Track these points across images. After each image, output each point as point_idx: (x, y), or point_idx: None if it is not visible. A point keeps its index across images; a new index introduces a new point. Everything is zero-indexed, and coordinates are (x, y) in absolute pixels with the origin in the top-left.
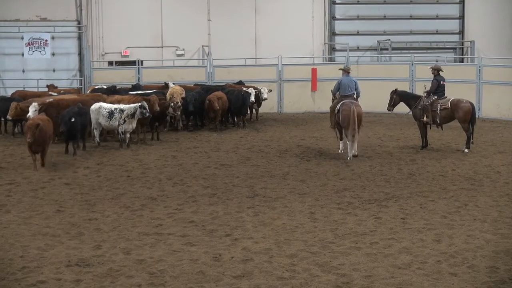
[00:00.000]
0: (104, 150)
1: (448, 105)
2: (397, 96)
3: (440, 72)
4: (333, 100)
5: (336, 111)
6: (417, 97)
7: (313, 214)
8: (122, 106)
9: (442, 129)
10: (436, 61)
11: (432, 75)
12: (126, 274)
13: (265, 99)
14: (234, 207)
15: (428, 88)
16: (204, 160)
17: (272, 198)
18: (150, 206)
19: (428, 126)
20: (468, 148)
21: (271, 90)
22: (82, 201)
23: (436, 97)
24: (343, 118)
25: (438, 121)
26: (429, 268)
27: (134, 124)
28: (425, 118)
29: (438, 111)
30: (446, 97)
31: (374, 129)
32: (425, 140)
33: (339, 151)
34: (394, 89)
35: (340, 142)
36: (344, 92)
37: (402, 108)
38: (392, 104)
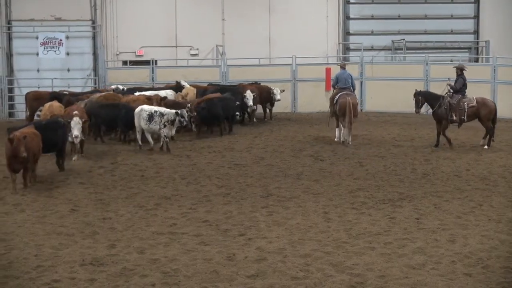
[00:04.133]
0: (118, 149)
1: (475, 103)
2: (422, 97)
3: (464, 71)
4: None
5: (334, 102)
6: (439, 97)
7: (327, 214)
8: (162, 109)
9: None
10: (451, 61)
11: (456, 74)
12: (140, 273)
13: (278, 100)
14: (248, 206)
15: (451, 84)
16: (218, 160)
17: (286, 198)
18: (164, 206)
19: (457, 125)
20: (488, 145)
21: (283, 90)
22: (97, 200)
23: (460, 95)
24: (340, 107)
25: (465, 119)
26: (444, 268)
27: (173, 131)
28: (454, 117)
29: (466, 109)
30: (467, 95)
31: (388, 129)
32: (439, 140)
33: (335, 139)
34: (418, 90)
35: (337, 129)
36: (342, 85)
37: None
38: (419, 106)
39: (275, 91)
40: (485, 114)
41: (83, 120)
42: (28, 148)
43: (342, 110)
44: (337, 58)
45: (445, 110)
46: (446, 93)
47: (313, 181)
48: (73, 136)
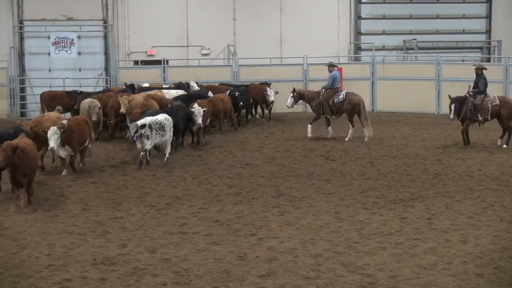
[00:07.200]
0: (129, 150)
1: (497, 101)
2: (457, 103)
3: (483, 71)
4: (293, 96)
5: (334, 101)
6: (465, 99)
7: (338, 214)
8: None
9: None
10: (463, 61)
11: (476, 74)
12: (151, 273)
13: (272, 101)
14: (259, 206)
15: (471, 88)
16: (229, 160)
17: (297, 197)
18: (175, 205)
19: (478, 124)
20: (507, 144)
21: (277, 92)
22: (108, 199)
23: (483, 95)
24: (353, 106)
25: (489, 118)
26: (455, 268)
27: (144, 143)
28: (480, 117)
29: (489, 109)
30: (489, 94)
31: (400, 129)
32: (468, 138)
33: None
34: (453, 97)
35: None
36: (337, 84)
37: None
38: (455, 113)
39: (269, 92)
40: (506, 113)
41: (62, 130)
42: (33, 159)
43: (357, 109)
44: (349, 58)
45: (470, 111)
46: (468, 93)
47: (324, 181)
48: (49, 147)
